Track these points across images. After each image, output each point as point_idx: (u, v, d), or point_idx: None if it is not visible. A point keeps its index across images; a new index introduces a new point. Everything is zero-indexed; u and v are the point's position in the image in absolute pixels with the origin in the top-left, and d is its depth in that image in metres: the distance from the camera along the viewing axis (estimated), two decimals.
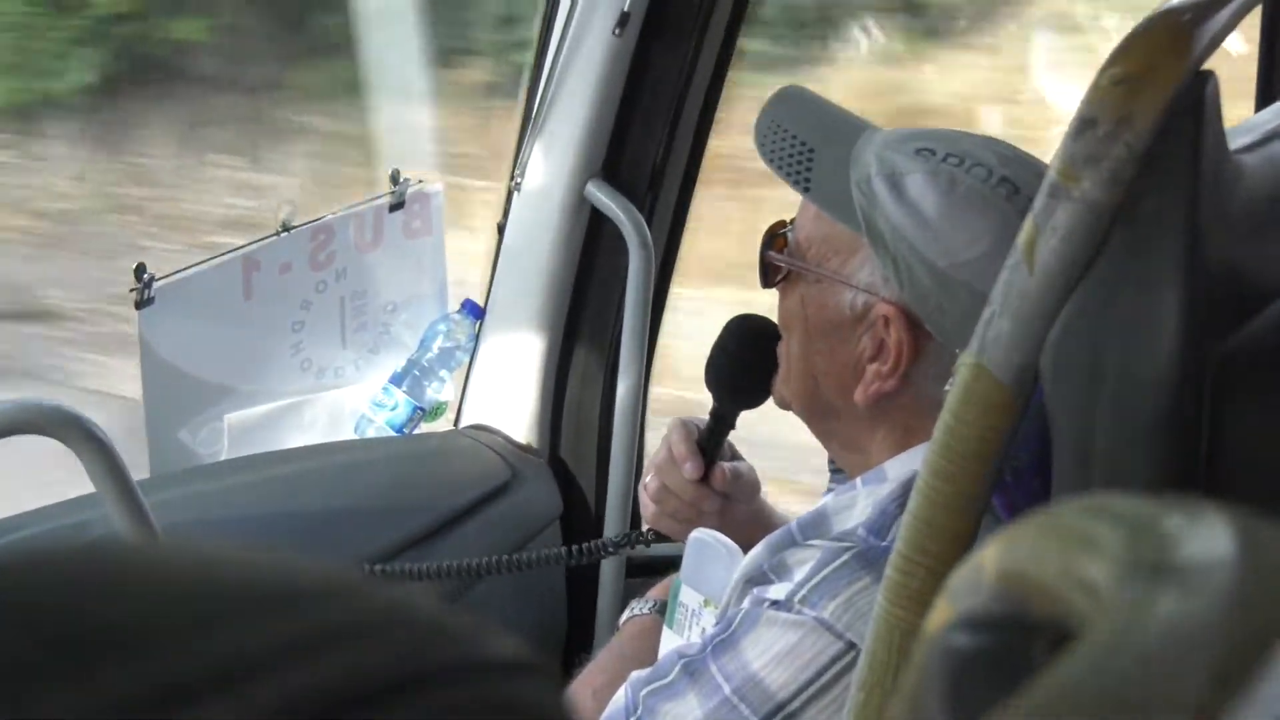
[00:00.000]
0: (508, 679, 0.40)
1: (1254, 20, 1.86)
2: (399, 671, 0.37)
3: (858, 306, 1.38)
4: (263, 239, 2.06)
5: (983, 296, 1.29)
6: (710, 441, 1.62)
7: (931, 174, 1.30)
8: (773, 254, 1.45)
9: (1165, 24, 0.83)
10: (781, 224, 1.47)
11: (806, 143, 1.39)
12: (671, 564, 1.66)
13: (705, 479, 1.61)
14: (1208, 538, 0.34)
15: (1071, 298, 0.82)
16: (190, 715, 0.34)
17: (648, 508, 1.65)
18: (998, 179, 1.29)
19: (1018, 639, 0.36)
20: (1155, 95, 0.81)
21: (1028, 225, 0.82)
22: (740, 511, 1.61)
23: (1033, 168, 1.32)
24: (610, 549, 1.92)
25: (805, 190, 1.39)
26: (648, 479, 1.64)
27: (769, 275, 1.46)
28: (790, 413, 1.51)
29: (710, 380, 1.61)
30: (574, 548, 1.88)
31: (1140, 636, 0.32)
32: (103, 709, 0.34)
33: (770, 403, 1.53)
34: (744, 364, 1.58)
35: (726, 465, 1.63)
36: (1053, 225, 0.81)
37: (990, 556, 0.39)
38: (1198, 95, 0.83)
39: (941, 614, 0.40)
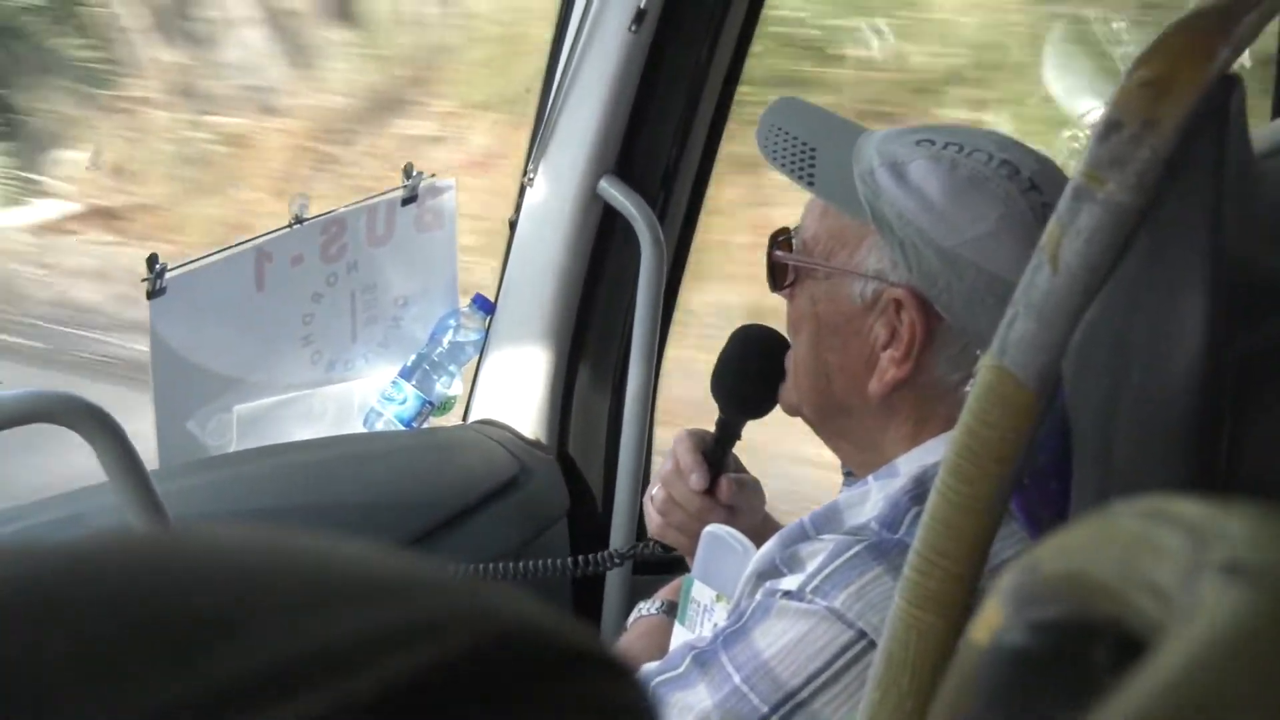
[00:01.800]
0: (604, 678, 0.39)
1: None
2: (501, 665, 0.37)
3: (868, 295, 1.40)
4: (275, 231, 2.07)
5: (989, 274, 1.32)
6: (716, 452, 1.63)
7: (933, 159, 1.34)
8: (780, 254, 1.47)
9: (1192, 27, 0.83)
10: (785, 230, 1.49)
11: (807, 142, 1.43)
12: (679, 564, 1.65)
13: (711, 490, 1.62)
14: (1275, 539, 0.34)
15: (1095, 301, 0.82)
16: (290, 703, 0.34)
17: (653, 520, 1.65)
18: (998, 161, 1.33)
19: (1077, 640, 0.36)
20: (1181, 99, 0.81)
21: (1052, 227, 0.82)
22: (745, 524, 1.61)
23: (1030, 152, 1.37)
24: (616, 560, 1.93)
25: (810, 185, 1.43)
26: (654, 490, 1.65)
27: (778, 278, 1.48)
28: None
29: (716, 391, 1.62)
30: (580, 558, 1.89)
31: (1228, 639, 0.32)
32: (204, 695, 0.34)
33: None
34: (749, 374, 1.59)
35: (732, 477, 1.63)
36: (1077, 227, 0.81)
37: (1046, 557, 0.39)
38: (1223, 100, 0.83)
39: (992, 616, 0.40)
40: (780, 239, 1.48)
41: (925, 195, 1.33)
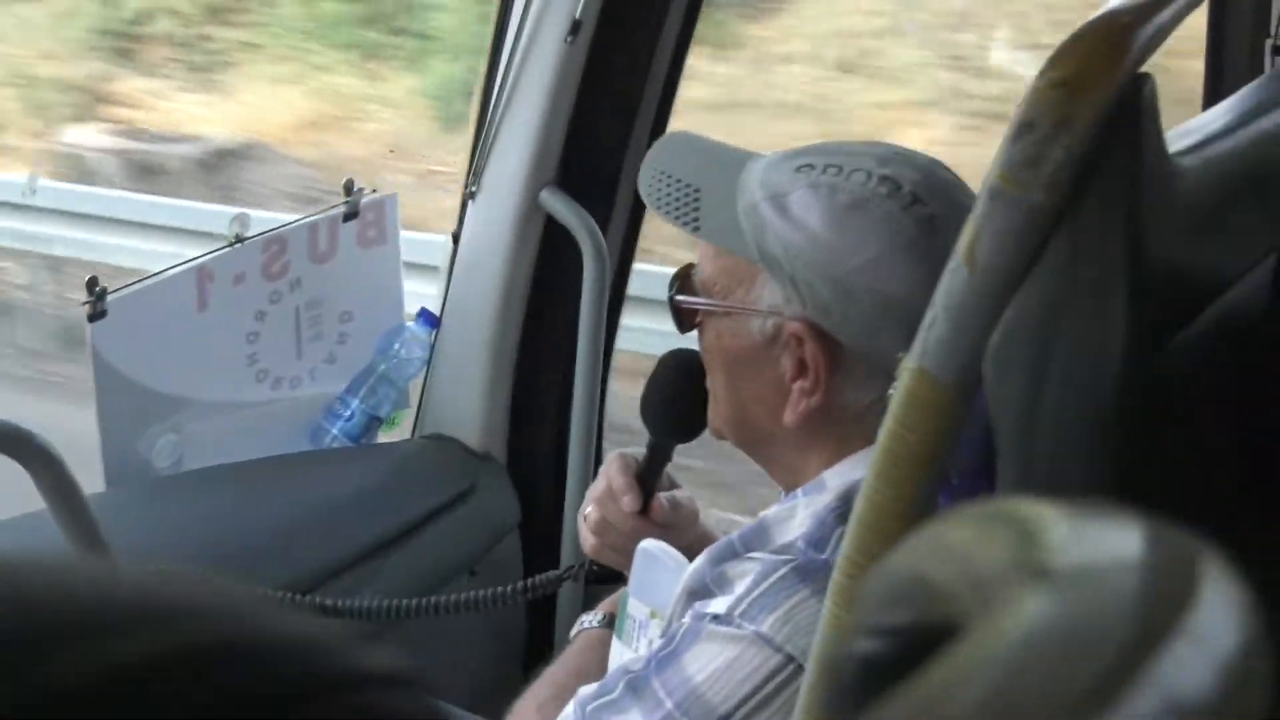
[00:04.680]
0: (378, 692, 0.39)
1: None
2: (260, 690, 0.37)
3: (768, 330, 1.39)
4: (216, 250, 2.06)
5: (883, 296, 1.32)
6: (648, 474, 1.63)
7: (812, 187, 1.32)
8: (680, 298, 1.46)
9: (1104, 26, 0.83)
10: (688, 267, 1.48)
11: (691, 184, 1.42)
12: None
13: (645, 511, 1.62)
14: (1101, 541, 0.35)
15: (1012, 301, 0.82)
16: None
17: (588, 540, 1.65)
18: (877, 179, 1.32)
19: (917, 645, 0.36)
20: (1094, 98, 0.81)
21: (968, 228, 0.83)
22: (681, 540, 1.61)
23: (911, 162, 1.35)
24: (554, 584, 1.93)
25: (695, 230, 1.42)
26: (587, 510, 1.65)
27: (682, 319, 1.47)
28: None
29: (645, 415, 1.62)
30: (526, 583, 1.89)
31: (1015, 640, 0.32)
32: None
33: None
34: (677, 399, 1.59)
35: (664, 495, 1.64)
36: (993, 228, 0.81)
37: (894, 561, 0.39)
38: (1136, 98, 0.84)
39: (855, 620, 0.40)
40: (683, 277, 1.47)
41: (808, 227, 1.32)
